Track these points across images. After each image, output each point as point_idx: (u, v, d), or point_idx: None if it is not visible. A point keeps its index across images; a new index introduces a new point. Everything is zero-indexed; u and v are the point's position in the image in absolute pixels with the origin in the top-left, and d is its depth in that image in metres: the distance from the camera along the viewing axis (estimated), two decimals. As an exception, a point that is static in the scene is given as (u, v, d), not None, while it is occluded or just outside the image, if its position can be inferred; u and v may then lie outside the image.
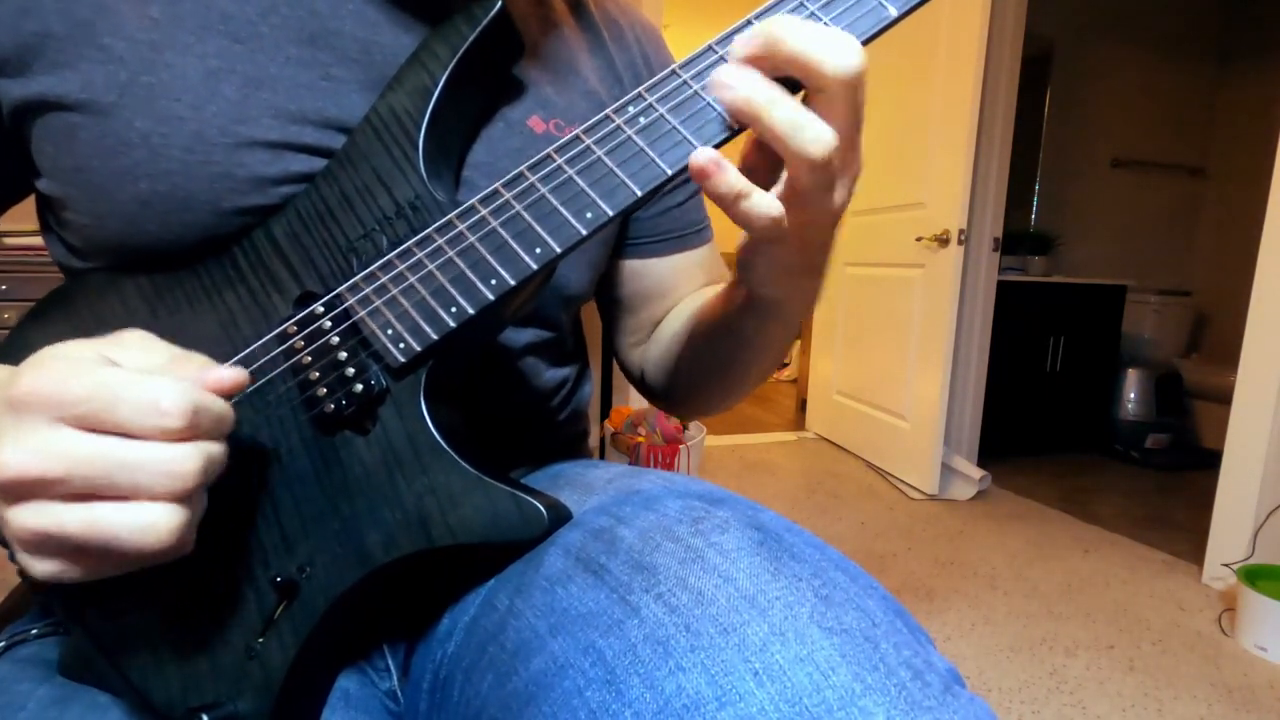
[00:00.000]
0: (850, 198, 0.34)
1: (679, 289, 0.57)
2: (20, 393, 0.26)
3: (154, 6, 0.36)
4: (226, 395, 0.30)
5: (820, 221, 0.34)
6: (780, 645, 0.27)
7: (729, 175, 0.30)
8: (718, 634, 0.27)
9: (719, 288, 0.47)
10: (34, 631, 0.40)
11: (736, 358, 0.48)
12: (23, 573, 0.37)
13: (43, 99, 0.35)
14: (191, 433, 0.27)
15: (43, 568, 0.27)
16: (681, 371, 0.54)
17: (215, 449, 0.29)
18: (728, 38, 0.32)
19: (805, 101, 0.31)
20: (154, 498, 0.27)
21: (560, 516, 0.36)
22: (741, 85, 0.30)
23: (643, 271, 0.56)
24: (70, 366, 0.27)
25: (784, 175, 0.31)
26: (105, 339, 0.30)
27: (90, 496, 0.26)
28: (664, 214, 0.55)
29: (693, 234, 0.57)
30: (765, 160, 0.32)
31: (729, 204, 0.31)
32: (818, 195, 0.32)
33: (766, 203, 0.31)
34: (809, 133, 0.29)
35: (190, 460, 0.27)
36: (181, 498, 0.27)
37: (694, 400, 0.55)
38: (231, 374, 0.31)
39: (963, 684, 0.29)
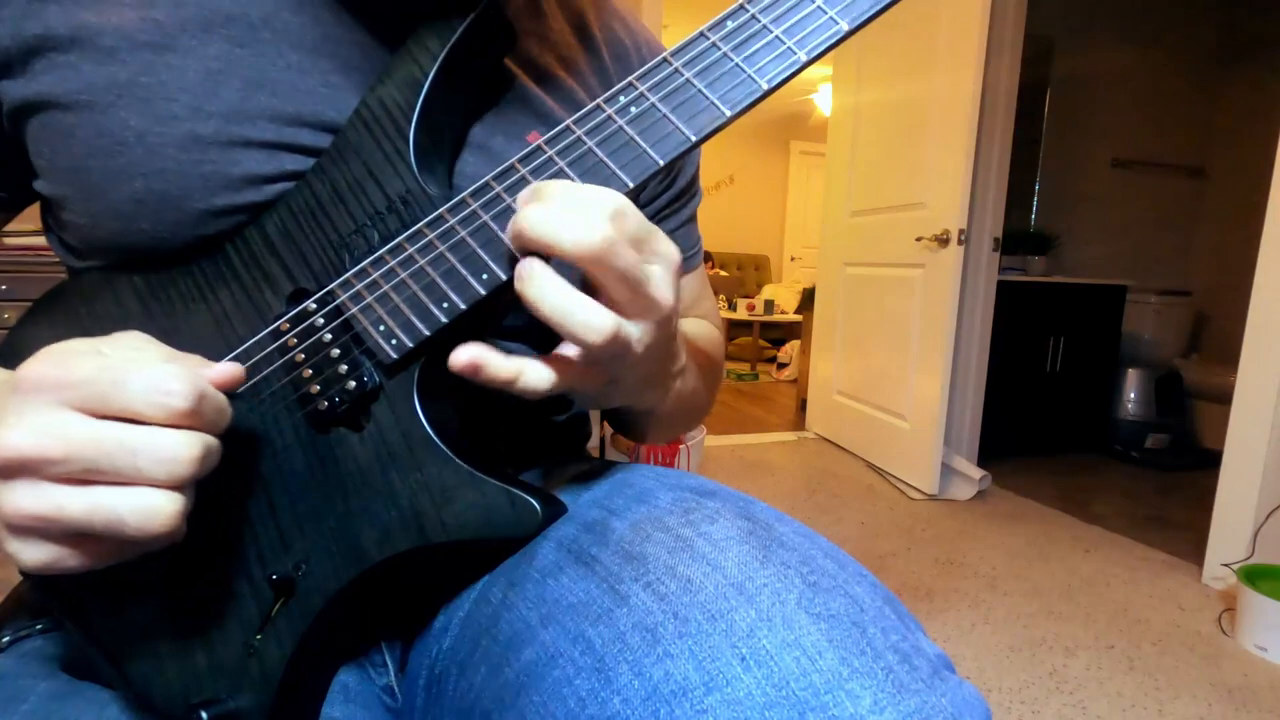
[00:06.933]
0: (659, 336, 0.33)
1: None
2: (24, 375, 0.27)
3: (158, 10, 0.36)
4: (224, 390, 0.31)
5: (627, 375, 0.34)
6: (767, 631, 0.27)
7: (492, 367, 0.31)
8: (705, 621, 0.27)
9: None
10: (39, 627, 0.40)
11: (626, 423, 0.50)
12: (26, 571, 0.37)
13: (41, 99, 0.36)
14: (195, 419, 0.28)
15: (33, 554, 0.27)
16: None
17: (213, 442, 0.29)
18: (720, 23, 0.33)
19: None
20: (153, 483, 0.27)
21: (555, 511, 0.36)
22: (529, 276, 0.30)
23: None
24: (74, 352, 0.28)
25: None
26: (102, 338, 0.30)
27: (87, 480, 0.27)
28: None
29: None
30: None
31: (507, 388, 0.32)
32: (608, 361, 0.32)
33: (538, 376, 0.32)
34: (578, 319, 0.29)
35: (191, 447, 0.28)
36: (179, 485, 0.28)
37: (622, 434, 0.57)
38: (229, 368, 0.32)
39: (952, 669, 0.29)
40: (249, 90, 0.37)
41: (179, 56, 0.36)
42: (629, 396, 0.38)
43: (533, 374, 0.32)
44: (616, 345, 0.30)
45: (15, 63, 0.36)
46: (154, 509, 0.27)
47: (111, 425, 0.27)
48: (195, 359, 0.32)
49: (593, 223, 0.28)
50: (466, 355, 0.31)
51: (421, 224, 0.34)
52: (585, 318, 0.29)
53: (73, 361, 0.27)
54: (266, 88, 0.37)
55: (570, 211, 0.29)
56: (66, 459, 0.26)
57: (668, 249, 0.32)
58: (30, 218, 0.43)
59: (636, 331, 0.32)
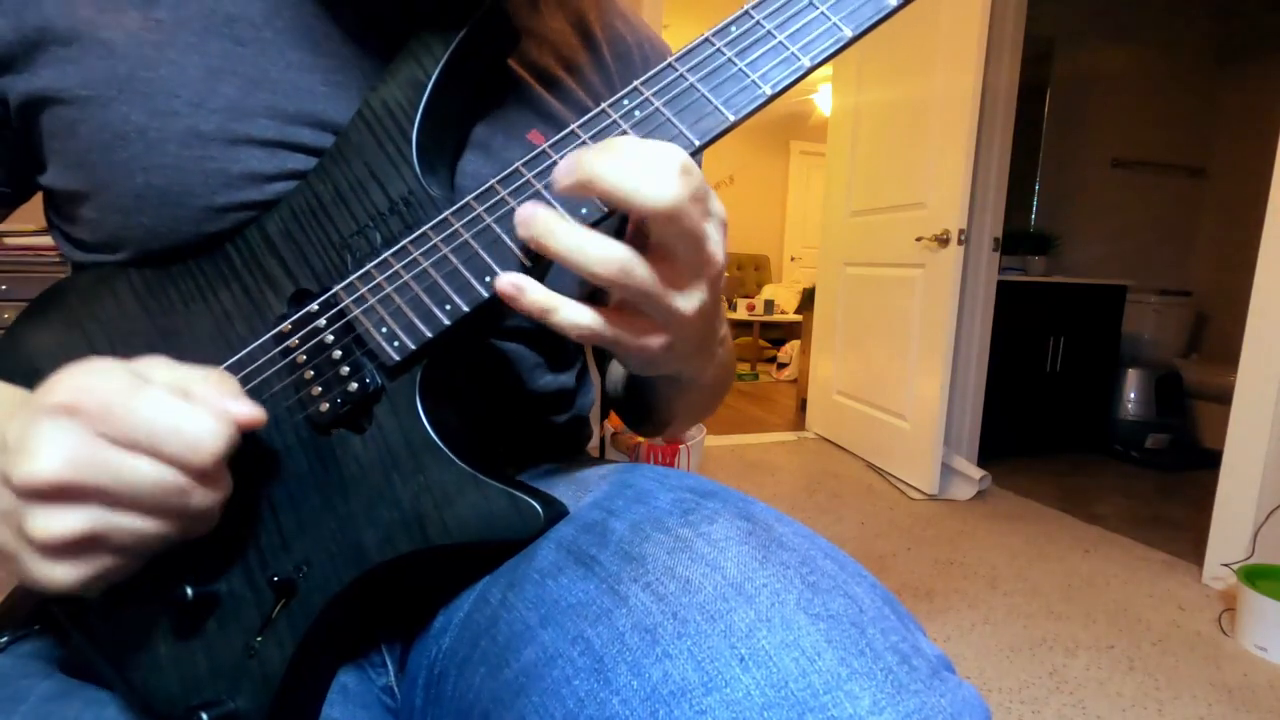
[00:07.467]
0: (713, 295, 0.33)
1: None
2: (65, 401, 0.27)
3: (159, 9, 0.37)
4: (243, 428, 0.32)
5: (684, 335, 0.33)
6: (766, 631, 0.27)
7: (532, 293, 0.30)
8: (704, 621, 0.27)
9: None
10: (37, 627, 0.40)
11: (656, 405, 0.51)
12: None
13: (45, 94, 0.36)
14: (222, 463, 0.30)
15: (69, 573, 0.28)
16: (623, 403, 0.57)
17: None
18: (724, 29, 0.32)
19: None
20: (192, 514, 0.30)
21: (556, 513, 0.36)
22: (536, 222, 0.30)
23: None
24: (114, 382, 0.28)
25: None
26: (136, 363, 0.31)
27: (124, 507, 0.28)
28: None
29: None
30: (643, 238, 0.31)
31: (541, 320, 0.31)
32: (658, 314, 0.31)
33: (575, 313, 0.30)
34: (592, 254, 0.29)
35: (224, 490, 0.31)
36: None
37: (638, 428, 0.59)
38: (255, 413, 0.32)
39: (952, 670, 0.29)
40: (249, 88, 0.37)
41: (179, 53, 0.36)
42: (683, 360, 0.36)
43: (570, 310, 0.30)
44: (634, 281, 0.29)
45: (18, 57, 0.36)
46: (212, 522, 0.32)
47: (155, 465, 0.28)
48: (217, 384, 0.32)
49: (668, 178, 0.28)
50: (509, 279, 0.30)
51: (426, 227, 0.34)
52: (599, 251, 0.29)
53: (118, 397, 0.28)
54: (267, 86, 0.37)
55: (646, 165, 0.28)
56: (111, 492, 0.27)
57: (719, 207, 0.32)
58: (31, 218, 0.43)
59: (696, 290, 0.31)
